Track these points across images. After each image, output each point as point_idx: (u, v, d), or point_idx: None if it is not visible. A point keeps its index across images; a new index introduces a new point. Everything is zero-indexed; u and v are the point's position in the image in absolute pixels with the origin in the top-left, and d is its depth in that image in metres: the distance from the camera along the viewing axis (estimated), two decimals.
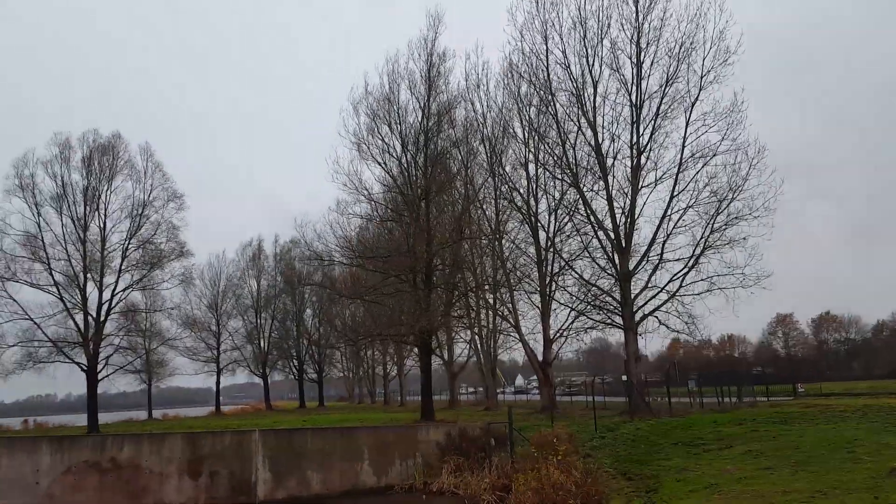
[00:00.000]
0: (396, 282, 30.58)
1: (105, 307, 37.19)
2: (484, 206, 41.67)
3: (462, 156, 35.77)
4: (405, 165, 31.22)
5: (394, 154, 31.29)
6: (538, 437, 18.01)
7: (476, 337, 48.20)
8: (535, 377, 71.29)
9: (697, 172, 30.60)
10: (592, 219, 33.29)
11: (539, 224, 38.60)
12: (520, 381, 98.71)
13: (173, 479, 17.97)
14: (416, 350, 61.63)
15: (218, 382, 67.98)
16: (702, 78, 29.95)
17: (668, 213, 30.86)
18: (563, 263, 37.40)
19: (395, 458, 20.85)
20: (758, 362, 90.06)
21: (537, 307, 40.72)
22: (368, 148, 31.00)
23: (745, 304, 31.76)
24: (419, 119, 30.95)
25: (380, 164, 31.32)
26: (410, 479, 20.52)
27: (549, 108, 33.85)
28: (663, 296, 31.05)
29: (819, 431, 17.82)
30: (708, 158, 30.30)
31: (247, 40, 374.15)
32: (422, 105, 30.94)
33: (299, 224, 29.24)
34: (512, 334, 43.53)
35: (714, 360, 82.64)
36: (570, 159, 33.79)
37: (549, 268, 39.39)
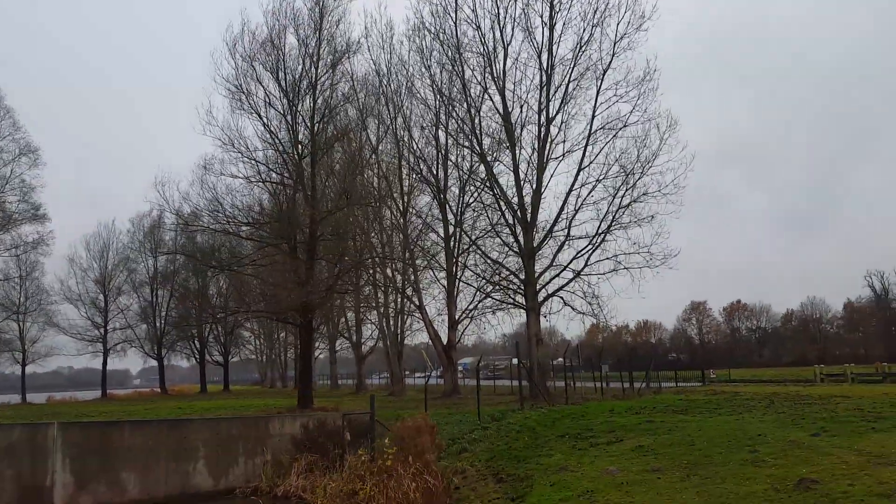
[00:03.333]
0: (274, 251, 26.90)
1: None
2: (389, 177, 38.60)
3: (358, 113, 32.32)
4: (289, 120, 27.47)
5: (277, 108, 27.51)
6: (397, 430, 15.03)
7: (382, 318, 45.17)
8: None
9: (606, 144, 29.04)
10: (498, 191, 30.94)
11: (446, 200, 36.03)
12: None
13: None
14: (326, 331, 58.33)
15: (104, 364, 62.11)
16: (615, 44, 28.47)
17: (576, 186, 28.95)
18: (469, 242, 35.10)
19: (238, 456, 17.47)
20: (674, 349, 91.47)
21: (444, 287, 38.22)
22: (247, 98, 27.10)
23: (659, 289, 30.25)
24: (306, 68, 27.23)
25: (261, 117, 27.47)
26: (257, 481, 17.25)
27: (456, 68, 31.19)
28: (568, 275, 29.13)
29: (721, 424, 15.67)
30: (618, 129, 28.73)
31: None
32: (310, 52, 27.23)
33: (159, 182, 24.92)
34: (416, 315, 40.78)
35: (630, 346, 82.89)
36: (478, 128, 31.46)
37: (457, 246, 36.91)
